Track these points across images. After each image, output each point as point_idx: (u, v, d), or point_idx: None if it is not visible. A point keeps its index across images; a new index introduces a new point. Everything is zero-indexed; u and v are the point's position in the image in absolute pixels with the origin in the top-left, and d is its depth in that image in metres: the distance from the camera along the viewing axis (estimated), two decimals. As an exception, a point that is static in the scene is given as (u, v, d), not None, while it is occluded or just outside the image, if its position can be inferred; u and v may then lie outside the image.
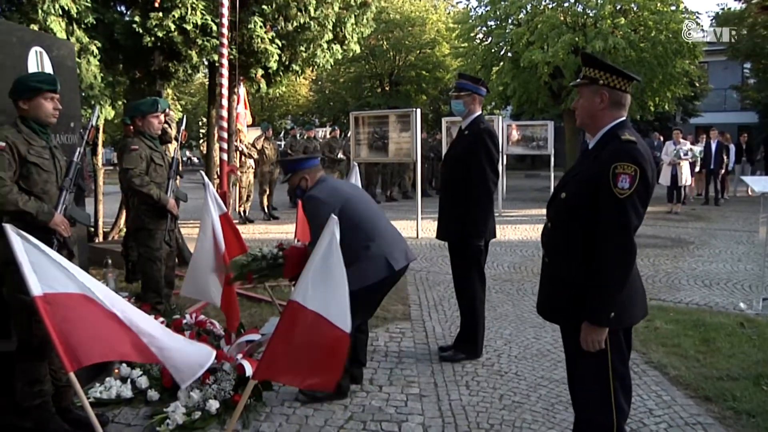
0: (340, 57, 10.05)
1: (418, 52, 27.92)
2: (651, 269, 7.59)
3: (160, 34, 7.14)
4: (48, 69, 4.06)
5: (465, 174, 4.39)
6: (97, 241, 8.84)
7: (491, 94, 19.65)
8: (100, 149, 10.15)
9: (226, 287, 4.59)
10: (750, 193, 15.70)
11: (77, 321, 2.69)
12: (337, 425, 3.56)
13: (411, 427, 3.55)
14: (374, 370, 4.37)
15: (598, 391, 2.52)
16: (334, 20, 8.88)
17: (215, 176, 8.83)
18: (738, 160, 16.96)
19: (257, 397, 3.74)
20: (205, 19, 7.38)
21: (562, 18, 18.68)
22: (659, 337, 4.99)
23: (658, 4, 18.02)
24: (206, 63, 8.68)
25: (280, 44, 8.39)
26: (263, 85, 9.22)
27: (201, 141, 26.45)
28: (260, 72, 8.81)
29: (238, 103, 10.75)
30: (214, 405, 3.58)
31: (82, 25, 6.68)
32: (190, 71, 8.91)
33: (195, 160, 35.96)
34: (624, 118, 2.55)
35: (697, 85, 25.01)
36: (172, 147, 6.55)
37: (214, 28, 7.30)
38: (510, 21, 20.41)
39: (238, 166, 11.47)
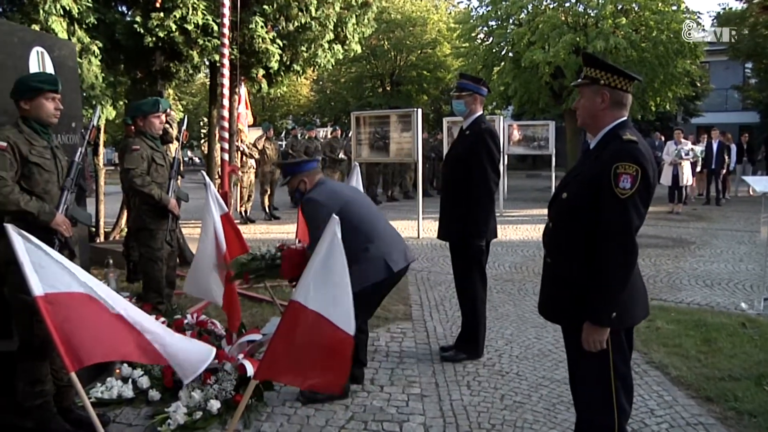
0: (341, 57, 10.03)
1: (419, 52, 27.93)
2: (652, 269, 7.59)
3: (161, 35, 7.14)
4: (49, 69, 4.06)
5: (466, 174, 4.39)
6: (98, 241, 8.85)
7: (492, 94, 19.65)
8: (102, 149, 10.16)
9: (227, 287, 4.60)
10: (751, 193, 15.70)
11: (79, 321, 2.69)
12: (338, 425, 3.56)
13: (412, 427, 3.55)
14: (375, 370, 4.37)
15: (600, 391, 2.52)
16: (335, 20, 8.87)
17: (216, 176, 8.82)
18: (739, 160, 16.96)
19: (258, 397, 3.74)
20: (206, 19, 7.37)
21: (563, 18, 18.67)
22: (660, 337, 4.98)
23: (660, 4, 18.00)
24: (207, 63, 8.67)
25: (281, 44, 8.38)
26: (264, 85, 9.22)
27: (202, 141, 26.45)
28: (261, 72, 8.81)
29: (239, 103, 10.76)
30: (215, 405, 3.59)
31: (84, 26, 6.68)
32: (191, 71, 8.91)
33: (196, 160, 35.98)
34: (625, 118, 2.55)
35: (699, 85, 24.99)
36: (173, 147, 6.55)
37: (215, 28, 7.30)
38: (511, 21, 20.40)
39: (239, 166, 11.47)
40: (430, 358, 4.62)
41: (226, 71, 6.37)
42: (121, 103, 8.73)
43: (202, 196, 5.06)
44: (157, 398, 3.79)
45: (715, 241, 9.77)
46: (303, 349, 2.91)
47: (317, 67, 9.77)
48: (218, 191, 5.38)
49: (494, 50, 20.95)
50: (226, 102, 6.54)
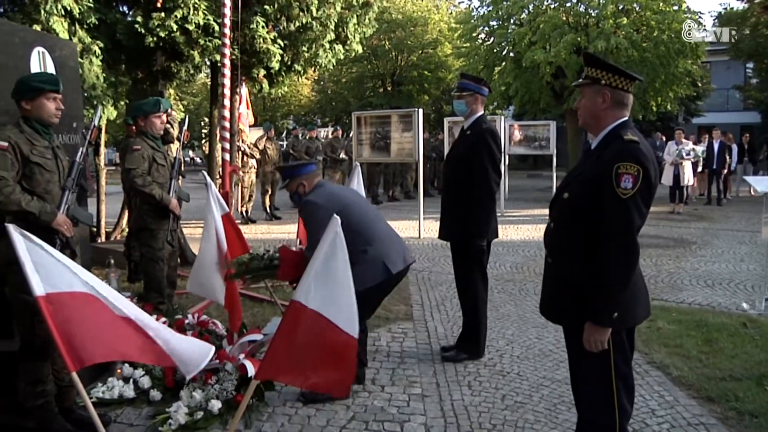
0: (342, 57, 10.04)
1: (420, 52, 27.93)
2: (653, 269, 7.58)
3: (162, 35, 7.14)
4: (50, 69, 4.07)
5: (467, 174, 4.39)
6: (99, 241, 8.86)
7: (493, 94, 19.65)
8: (103, 149, 10.19)
9: (228, 286, 4.60)
10: (752, 193, 15.68)
11: (80, 320, 2.69)
12: (339, 425, 3.56)
13: (413, 427, 3.55)
14: (376, 370, 4.37)
15: (601, 391, 2.51)
16: (336, 20, 8.88)
17: (217, 176, 8.83)
18: (740, 160, 16.96)
19: (259, 397, 3.74)
20: (207, 20, 7.38)
21: (564, 18, 18.67)
22: (662, 338, 4.98)
23: (661, 4, 18.00)
24: (208, 63, 8.68)
25: (282, 44, 8.39)
26: (265, 85, 9.23)
27: (203, 141, 26.50)
28: (262, 72, 8.81)
29: (240, 104, 10.77)
30: (216, 405, 3.59)
31: (85, 26, 6.69)
32: (192, 71, 8.92)
33: (198, 160, 36.01)
34: (626, 118, 2.54)
35: (700, 85, 24.99)
36: (175, 147, 6.55)
37: (216, 28, 7.30)
38: (512, 21, 20.39)
39: (240, 166, 11.48)
40: (431, 358, 4.62)
41: (227, 71, 6.37)
42: (122, 103, 8.74)
43: (203, 196, 5.06)
44: (159, 398, 3.79)
45: (717, 241, 9.76)
46: (304, 349, 2.91)
47: (318, 67, 9.78)
48: (219, 191, 5.39)
49: (495, 50, 20.95)
50: (227, 102, 6.54)
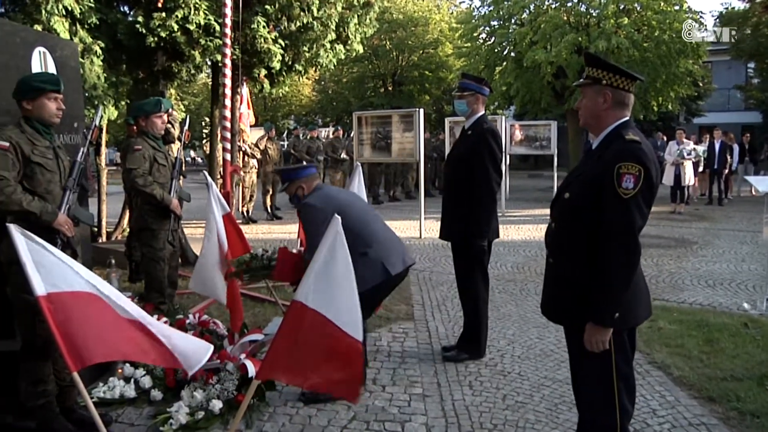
0: (343, 57, 10.05)
1: (421, 52, 27.93)
2: (654, 269, 7.58)
3: (163, 35, 7.15)
4: (51, 69, 4.06)
5: (468, 174, 4.39)
6: (100, 241, 8.87)
7: (494, 94, 19.63)
8: (104, 149, 10.20)
9: (229, 286, 4.61)
10: (754, 193, 15.67)
11: (81, 320, 2.69)
12: (340, 425, 3.56)
13: (414, 427, 3.55)
14: (377, 370, 4.37)
15: (602, 391, 2.51)
16: (337, 20, 8.88)
17: (218, 176, 8.84)
18: (741, 160, 16.95)
19: (260, 397, 3.74)
20: (208, 19, 7.39)
21: (565, 18, 18.65)
22: (663, 338, 4.97)
23: (662, 4, 17.96)
24: (209, 63, 8.69)
25: (283, 44, 8.39)
26: (266, 85, 9.23)
27: (204, 141, 26.49)
28: (263, 72, 8.82)
29: (241, 103, 10.77)
30: (217, 405, 3.59)
31: (86, 26, 6.70)
32: (193, 71, 8.93)
33: (199, 160, 36.02)
34: (627, 118, 2.54)
35: (701, 84, 24.96)
36: (176, 147, 6.55)
37: (217, 28, 7.31)
38: (513, 21, 20.37)
39: (241, 166, 11.48)
40: (432, 358, 4.62)
41: (228, 71, 6.37)
42: (123, 103, 8.75)
43: (204, 196, 5.06)
44: (160, 398, 3.80)
45: (718, 241, 9.75)
46: (305, 349, 2.90)
47: (319, 67, 9.79)
48: (220, 191, 5.39)
49: (496, 50, 20.93)
50: (228, 102, 6.55)
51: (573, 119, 18.94)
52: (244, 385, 3.71)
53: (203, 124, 27.19)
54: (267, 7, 8.05)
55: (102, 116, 7.40)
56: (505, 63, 20.85)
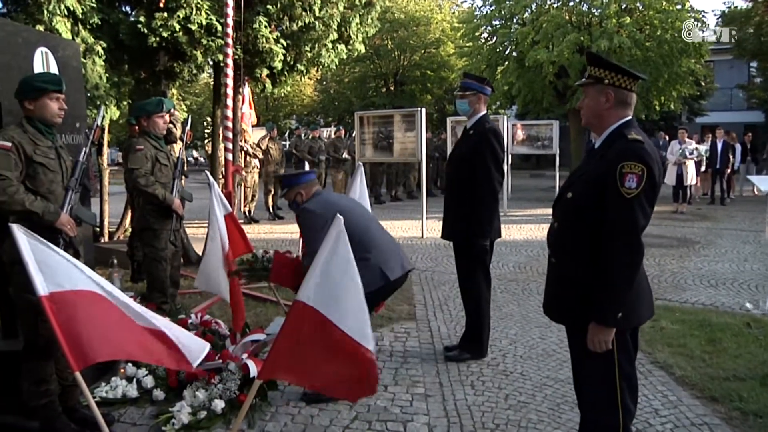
0: (344, 57, 10.04)
1: (422, 51, 27.93)
2: (657, 269, 7.57)
3: (165, 35, 7.15)
4: (53, 69, 4.07)
5: (470, 174, 4.38)
6: (102, 241, 8.88)
7: (496, 93, 19.61)
8: (106, 149, 10.20)
9: (231, 286, 4.62)
10: (756, 192, 15.64)
11: (85, 319, 2.69)
12: (342, 425, 3.56)
13: (416, 427, 3.54)
14: (379, 370, 4.35)
15: (605, 391, 2.51)
16: (338, 20, 8.87)
17: (220, 176, 8.83)
18: (743, 160, 16.92)
19: (262, 396, 3.74)
20: (210, 19, 7.38)
21: (567, 17, 18.64)
22: (665, 337, 4.97)
23: (664, 3, 17.94)
24: (211, 63, 8.68)
25: (284, 44, 8.39)
26: (268, 84, 9.23)
27: (206, 141, 26.53)
28: (265, 72, 8.82)
29: (242, 103, 10.76)
30: (219, 405, 3.59)
31: (88, 26, 6.69)
32: (195, 71, 8.92)
33: (201, 160, 36.05)
34: (630, 117, 2.54)
35: (703, 84, 24.93)
36: (177, 147, 6.56)
37: (219, 28, 7.31)
38: (515, 20, 20.37)
39: (242, 166, 11.49)
40: (434, 358, 4.62)
41: (229, 71, 6.37)
42: (125, 103, 8.75)
43: (205, 196, 5.07)
44: (162, 398, 3.80)
45: (720, 240, 9.74)
46: (307, 349, 2.90)
47: (321, 66, 9.77)
48: (222, 191, 5.39)
49: (498, 50, 20.92)
50: (229, 102, 6.55)
51: (575, 119, 18.93)
52: (246, 384, 3.71)
53: (205, 124, 27.24)
54: (269, 6, 8.05)
55: (104, 116, 7.42)
56: (506, 62, 20.85)
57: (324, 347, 2.89)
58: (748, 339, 4.93)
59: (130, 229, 7.99)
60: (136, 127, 5.35)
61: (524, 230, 10.99)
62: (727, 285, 6.83)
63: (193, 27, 7.28)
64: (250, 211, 12.28)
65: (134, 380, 3.91)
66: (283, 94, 17.31)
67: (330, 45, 9.08)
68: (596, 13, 18.53)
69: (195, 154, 36.68)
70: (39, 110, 3.26)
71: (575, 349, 2.67)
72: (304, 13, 8.27)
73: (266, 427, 3.55)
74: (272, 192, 12.74)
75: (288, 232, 10.56)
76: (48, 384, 3.29)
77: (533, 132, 16.17)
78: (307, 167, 13.86)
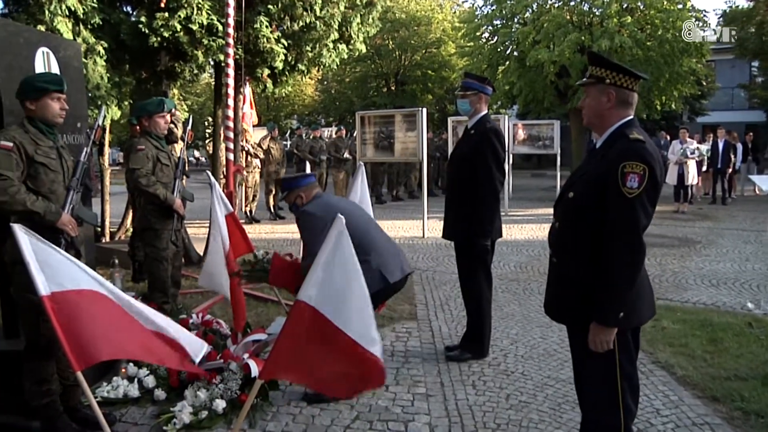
0: (345, 56, 10.04)
1: (423, 51, 27.93)
2: (658, 269, 7.56)
3: (166, 35, 7.15)
4: (55, 69, 4.08)
5: (471, 173, 4.38)
6: (103, 241, 8.88)
7: (497, 93, 19.61)
8: (107, 149, 10.20)
9: (232, 285, 4.62)
10: (757, 192, 15.61)
11: (87, 318, 2.70)
12: (343, 425, 3.56)
13: (417, 427, 3.54)
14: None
15: (606, 391, 2.50)
16: (339, 20, 8.88)
17: (221, 176, 8.83)
18: (744, 159, 16.91)
19: (264, 396, 3.74)
20: (211, 19, 7.39)
21: (568, 17, 18.64)
22: (666, 337, 4.97)
23: (665, 3, 17.94)
24: (212, 63, 8.69)
25: (285, 44, 8.39)
26: (269, 84, 9.23)
27: (207, 141, 26.54)
28: (266, 72, 8.82)
29: (244, 103, 10.76)
30: (220, 404, 3.59)
31: (89, 26, 6.70)
32: (196, 71, 8.93)
33: (203, 160, 36.07)
34: (631, 117, 2.53)
35: (704, 83, 24.91)
36: (179, 147, 6.57)
37: (220, 28, 7.31)
38: (516, 20, 20.38)
39: (244, 165, 11.49)
40: (436, 358, 4.62)
41: (230, 71, 6.38)
42: (126, 103, 8.76)
43: (207, 195, 5.08)
44: (163, 398, 3.80)
45: (721, 240, 9.73)
46: (309, 348, 2.90)
47: (322, 66, 9.78)
48: (223, 191, 5.40)
49: (499, 49, 20.93)
50: (230, 102, 6.55)
51: (576, 118, 18.92)
52: (247, 384, 3.72)
53: (206, 123, 27.24)
54: (270, 6, 8.05)
55: (105, 116, 7.43)
56: (507, 62, 20.85)
57: (326, 347, 2.89)
58: (749, 339, 4.93)
59: (131, 229, 8.00)
60: (138, 127, 5.35)
61: (525, 230, 10.99)
62: (729, 285, 6.82)
63: (194, 27, 7.28)
64: (251, 211, 12.28)
65: (135, 380, 3.91)
66: (284, 94, 17.32)
67: (331, 45, 9.09)
68: (597, 13, 18.53)
69: (196, 154, 36.70)
70: (40, 110, 3.26)
71: (576, 349, 2.66)
72: (305, 13, 8.28)
73: (267, 426, 3.55)
74: (273, 192, 12.75)
75: (289, 231, 10.56)
76: (49, 384, 3.29)
77: (534, 132, 16.16)
78: (308, 167, 13.86)
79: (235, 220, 5.11)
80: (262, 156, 12.48)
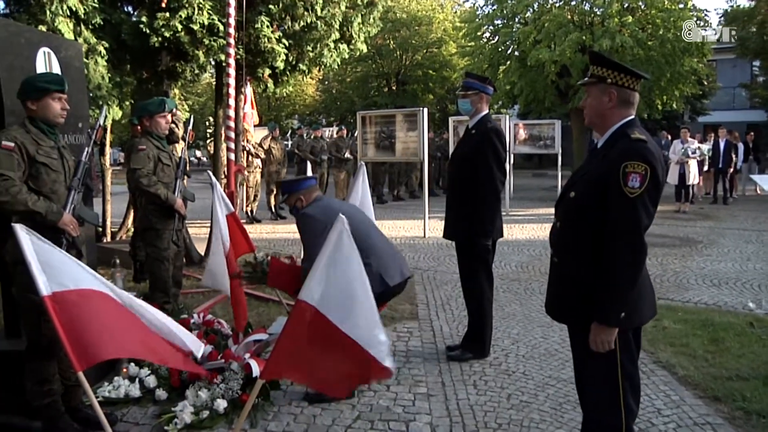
0: (346, 56, 10.03)
1: (424, 51, 27.95)
2: (659, 269, 7.56)
3: (167, 35, 7.15)
4: (56, 69, 4.08)
5: (472, 173, 4.38)
6: (105, 240, 8.89)
7: (498, 93, 19.61)
8: (108, 149, 10.20)
9: (232, 285, 4.63)
10: (759, 191, 15.64)
11: (88, 318, 2.70)
12: (345, 424, 3.56)
13: (419, 427, 3.54)
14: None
15: (608, 391, 2.50)
16: (340, 20, 8.87)
17: (222, 176, 8.84)
18: (746, 159, 16.90)
19: (265, 396, 3.75)
20: (212, 19, 7.38)
21: (569, 16, 18.63)
22: (668, 337, 4.96)
23: (666, 2, 17.94)
24: (213, 63, 8.68)
25: (286, 44, 8.38)
26: (270, 84, 9.22)
27: (208, 141, 26.57)
28: (267, 72, 8.82)
29: (245, 103, 10.77)
30: (222, 404, 3.59)
31: (90, 26, 6.70)
32: (197, 71, 8.93)
33: (204, 159, 36.09)
34: (633, 117, 2.53)
35: (706, 83, 24.88)
36: (180, 147, 6.57)
37: (221, 27, 7.31)
38: (517, 20, 20.37)
39: (245, 165, 11.49)
40: (437, 358, 4.62)
41: (231, 71, 6.38)
42: (128, 103, 8.76)
43: (208, 195, 5.08)
44: (164, 397, 3.80)
45: (723, 240, 9.73)
46: (310, 348, 2.90)
47: (323, 66, 9.77)
48: (224, 191, 5.40)
49: (500, 49, 20.92)
50: (231, 102, 6.55)
51: (577, 118, 18.91)
52: (248, 384, 3.72)
53: (207, 123, 27.24)
54: (271, 6, 8.05)
55: (106, 116, 7.43)
56: (508, 62, 20.85)
57: (327, 347, 2.89)
58: (751, 338, 4.92)
59: (132, 229, 8.00)
60: (139, 127, 5.35)
61: (526, 230, 10.99)
62: (730, 284, 6.81)
63: (195, 27, 7.28)
64: (252, 211, 12.29)
65: (137, 380, 3.92)
66: (285, 94, 17.28)
67: (332, 45, 9.08)
68: (598, 13, 18.53)
69: (197, 153, 36.71)
70: (41, 110, 3.26)
71: (577, 349, 2.66)
72: (306, 13, 8.27)
73: (269, 426, 3.55)
74: (274, 192, 12.75)
75: (290, 231, 10.56)
76: (51, 384, 3.29)
77: (535, 131, 16.15)
78: (309, 167, 13.85)
79: (236, 219, 5.11)
80: (263, 156, 12.49)
